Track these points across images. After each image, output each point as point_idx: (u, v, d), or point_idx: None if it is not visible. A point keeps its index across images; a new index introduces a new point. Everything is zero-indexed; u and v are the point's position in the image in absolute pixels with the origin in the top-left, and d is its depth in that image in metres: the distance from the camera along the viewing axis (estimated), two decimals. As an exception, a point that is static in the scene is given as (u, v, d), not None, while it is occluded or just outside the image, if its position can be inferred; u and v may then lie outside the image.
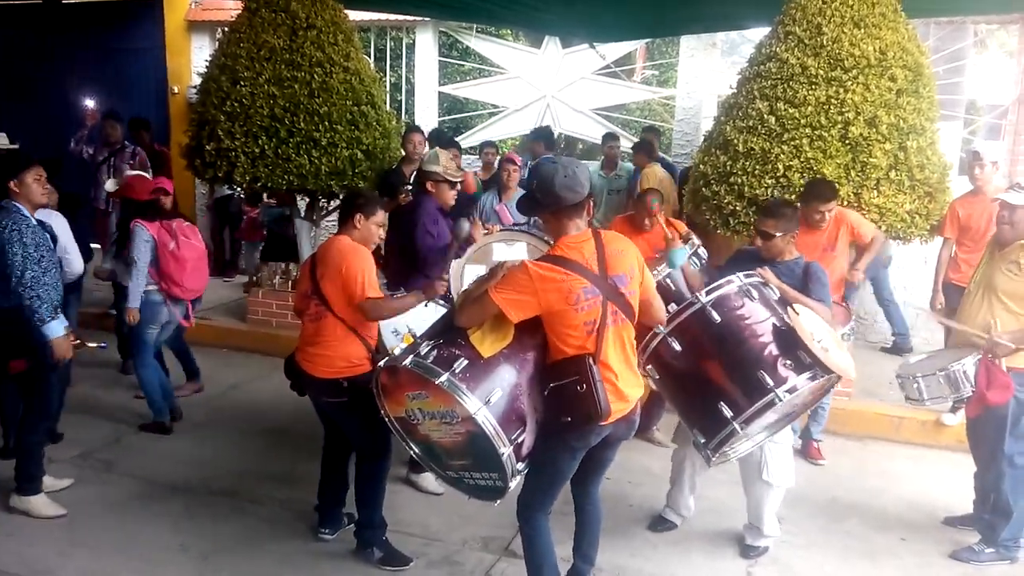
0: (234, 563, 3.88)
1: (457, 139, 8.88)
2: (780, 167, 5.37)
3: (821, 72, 5.41)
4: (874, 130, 5.32)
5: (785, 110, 5.42)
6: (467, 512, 4.35)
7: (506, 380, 3.05)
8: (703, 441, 3.58)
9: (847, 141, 5.35)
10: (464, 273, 4.63)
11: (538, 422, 3.12)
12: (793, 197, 5.27)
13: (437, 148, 4.99)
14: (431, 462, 3.41)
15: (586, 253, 2.99)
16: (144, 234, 5.17)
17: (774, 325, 3.56)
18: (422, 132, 7.05)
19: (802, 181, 5.28)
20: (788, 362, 3.44)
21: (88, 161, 8.02)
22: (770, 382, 3.38)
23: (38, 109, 10.35)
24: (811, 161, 5.33)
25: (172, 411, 5.44)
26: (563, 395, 2.96)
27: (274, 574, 3.81)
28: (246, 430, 5.40)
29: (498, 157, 8.17)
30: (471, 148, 9.50)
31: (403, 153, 6.87)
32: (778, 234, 3.98)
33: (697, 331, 3.55)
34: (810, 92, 5.40)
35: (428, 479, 4.62)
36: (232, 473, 4.78)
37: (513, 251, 4.60)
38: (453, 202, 4.83)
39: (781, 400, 3.37)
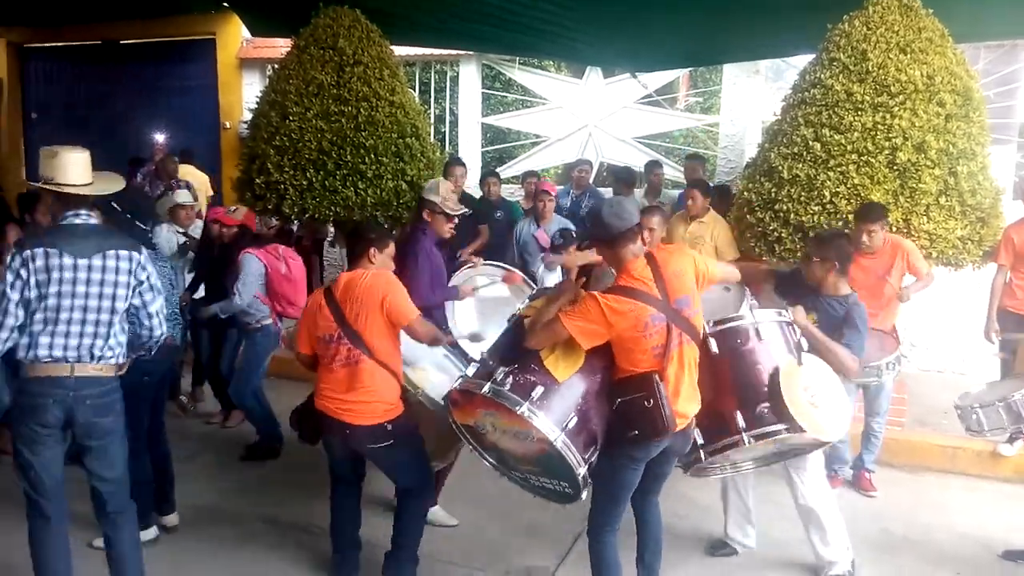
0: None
1: (499, 169, 8.97)
2: (826, 194, 5.31)
3: (867, 98, 5.35)
4: (923, 155, 5.24)
5: (831, 136, 5.36)
6: (510, 542, 4.36)
7: (580, 404, 3.21)
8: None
9: (895, 167, 5.27)
10: (455, 307, 4.76)
11: (604, 438, 3.25)
12: (840, 224, 5.21)
13: (440, 178, 5.04)
14: (497, 463, 3.57)
15: (647, 280, 3.12)
16: (256, 264, 5.33)
17: (771, 369, 3.54)
18: (464, 165, 7.12)
19: (849, 207, 5.21)
20: (767, 408, 3.45)
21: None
22: (742, 424, 3.45)
23: (98, 145, 10.69)
24: (858, 187, 5.26)
25: (278, 439, 5.54)
26: (631, 410, 3.09)
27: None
28: (292, 457, 5.44)
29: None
30: (514, 177, 9.58)
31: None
32: (815, 259, 4.03)
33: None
34: (856, 118, 5.34)
35: (438, 513, 4.51)
36: (279, 501, 4.84)
37: (495, 287, 4.66)
38: (449, 235, 4.87)
39: (747, 444, 3.45)
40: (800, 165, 5.45)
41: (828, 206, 5.32)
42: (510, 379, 3.20)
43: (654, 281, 3.12)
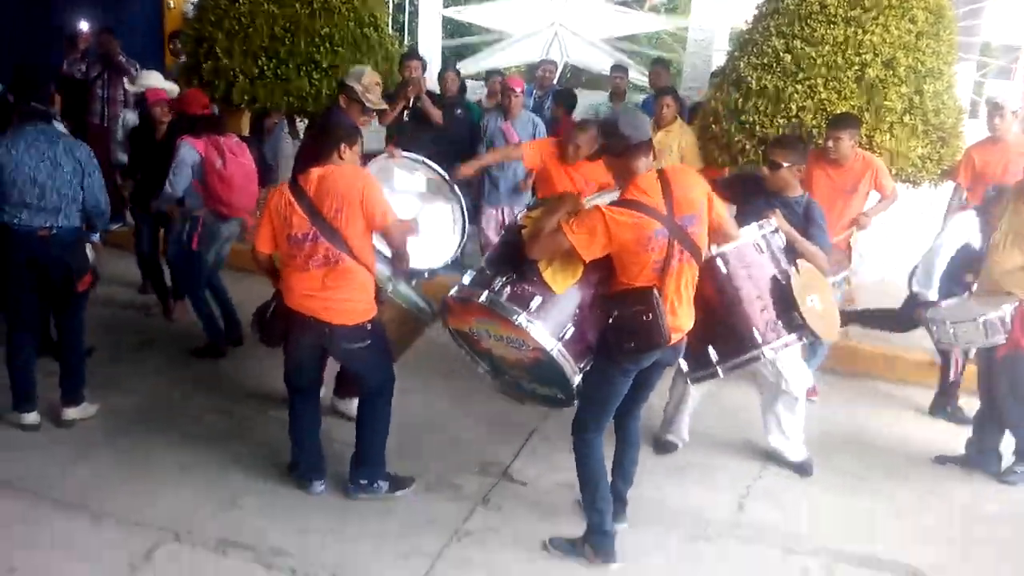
0: (232, 484, 3.90)
1: (459, 65, 8.69)
2: (793, 107, 5.28)
3: (840, 11, 5.28)
4: (891, 72, 5.22)
5: (801, 48, 5.30)
6: (461, 439, 4.43)
7: (576, 315, 3.24)
8: (686, 370, 3.81)
9: (863, 83, 5.24)
10: None
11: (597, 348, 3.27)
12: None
13: (368, 67, 4.79)
14: (490, 368, 3.65)
15: (654, 195, 3.06)
16: (190, 153, 5.02)
17: (775, 281, 3.65)
18: (420, 59, 6.81)
19: (815, 122, 5.20)
20: (780, 323, 3.60)
21: (82, 80, 7.80)
22: (759, 339, 3.57)
23: (30, 24, 10.02)
24: (825, 102, 5.23)
25: (235, 336, 5.39)
26: (628, 323, 3.08)
27: (278, 497, 3.83)
28: (244, 349, 5.36)
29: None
30: (477, 75, 9.30)
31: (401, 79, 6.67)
32: (785, 164, 4.06)
33: (702, 278, 3.55)
34: (828, 31, 5.27)
35: (354, 406, 4.24)
36: (231, 392, 4.80)
37: (413, 179, 4.49)
38: (363, 126, 4.61)
39: (765, 358, 3.61)
40: (769, 76, 5.39)
41: (794, 120, 5.29)
42: (508, 289, 3.22)
43: (662, 195, 3.06)
